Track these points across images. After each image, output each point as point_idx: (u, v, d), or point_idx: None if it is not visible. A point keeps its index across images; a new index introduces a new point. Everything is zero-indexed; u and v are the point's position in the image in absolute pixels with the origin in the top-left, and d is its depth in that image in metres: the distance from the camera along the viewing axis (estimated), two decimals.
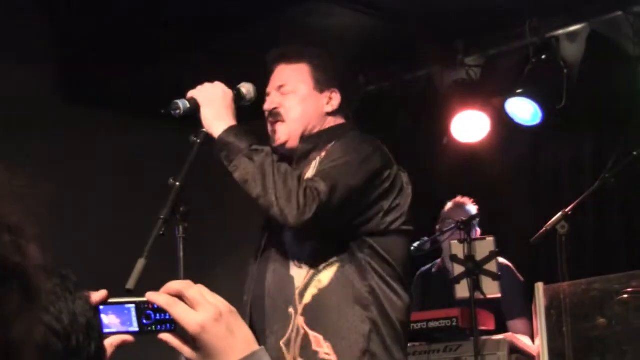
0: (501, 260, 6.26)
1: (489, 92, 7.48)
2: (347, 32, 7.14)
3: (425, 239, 6.55)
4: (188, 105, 3.75)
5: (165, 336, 1.79)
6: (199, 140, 3.69)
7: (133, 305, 1.82)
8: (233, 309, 1.76)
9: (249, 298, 3.90)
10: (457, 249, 6.01)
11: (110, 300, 1.80)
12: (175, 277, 3.57)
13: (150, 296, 1.77)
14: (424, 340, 6.14)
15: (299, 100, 3.95)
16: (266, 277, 3.79)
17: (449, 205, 6.82)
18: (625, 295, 5.11)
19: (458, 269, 5.95)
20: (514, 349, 5.94)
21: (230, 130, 3.72)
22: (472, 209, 6.76)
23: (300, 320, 3.70)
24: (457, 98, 7.49)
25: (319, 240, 3.72)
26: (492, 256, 5.92)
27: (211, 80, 3.85)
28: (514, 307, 6.33)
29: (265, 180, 3.61)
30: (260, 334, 3.78)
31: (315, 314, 3.68)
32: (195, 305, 1.73)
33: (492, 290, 5.91)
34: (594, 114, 7.30)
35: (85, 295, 1.57)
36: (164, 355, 2.27)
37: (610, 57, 7.06)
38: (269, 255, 3.83)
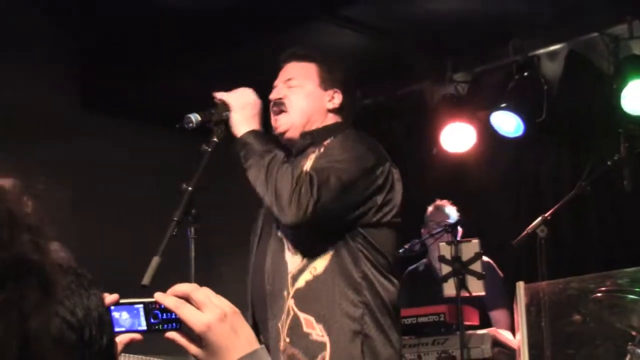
0: (483, 257, 6.26)
1: (476, 106, 7.49)
2: (345, 50, 7.13)
3: (416, 241, 6.56)
4: (199, 118, 3.74)
5: (172, 334, 1.79)
6: (209, 149, 3.69)
7: (141, 306, 1.82)
8: (236, 310, 1.77)
9: (249, 287, 3.89)
10: (445, 250, 6.01)
11: (121, 301, 1.81)
12: (187, 275, 3.59)
13: (159, 297, 1.78)
14: (413, 334, 6.14)
15: (304, 94, 3.93)
16: (265, 266, 3.78)
17: (430, 208, 6.84)
18: (600, 294, 5.12)
19: (446, 269, 5.95)
20: (497, 343, 5.95)
21: (251, 132, 3.72)
22: (451, 210, 6.79)
23: (291, 303, 3.66)
24: (446, 111, 7.49)
25: (315, 233, 3.70)
26: (477, 257, 5.93)
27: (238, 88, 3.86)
28: (494, 299, 6.32)
29: (269, 180, 3.61)
30: (263, 321, 3.78)
31: (306, 298, 3.65)
32: (202, 306, 1.74)
33: (476, 288, 5.91)
34: (572, 127, 7.32)
35: (98, 291, 1.58)
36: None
37: (587, 75, 7.08)
38: (266, 245, 3.81)
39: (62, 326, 1.47)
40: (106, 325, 1.54)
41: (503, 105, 7.14)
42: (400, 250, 6.34)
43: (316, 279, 3.66)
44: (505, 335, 6.09)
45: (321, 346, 3.61)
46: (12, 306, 1.00)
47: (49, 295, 1.05)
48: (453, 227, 6.16)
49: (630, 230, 6.83)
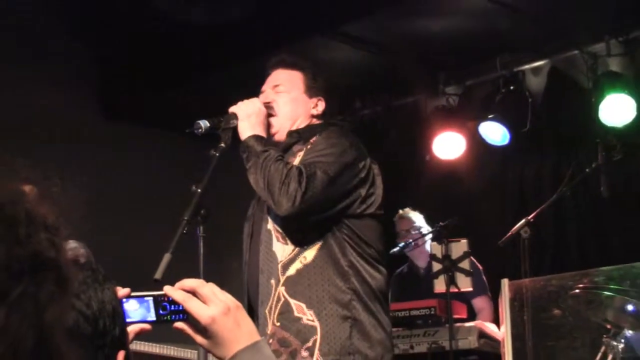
0: None
1: (465, 117, 7.48)
2: (346, 64, 7.14)
3: (410, 241, 6.58)
4: (208, 124, 3.75)
5: (180, 325, 1.80)
6: (217, 154, 3.68)
7: (151, 298, 1.82)
8: (239, 304, 1.78)
9: (245, 279, 3.89)
10: (436, 249, 6.02)
11: (132, 294, 1.81)
12: (196, 270, 3.57)
13: (168, 290, 1.79)
14: (406, 326, 6.13)
15: (291, 99, 3.92)
16: (259, 257, 3.77)
17: (395, 219, 6.84)
18: (577, 291, 5.11)
19: (437, 266, 5.95)
20: (483, 335, 5.95)
21: (253, 137, 3.71)
22: (415, 215, 6.82)
23: (281, 290, 3.65)
24: (438, 121, 7.49)
25: (304, 224, 3.69)
26: (465, 256, 5.93)
27: (239, 99, 3.86)
28: (475, 289, 6.31)
29: (263, 176, 3.60)
30: (255, 307, 3.77)
31: (297, 285, 3.63)
32: (207, 300, 1.75)
33: (465, 284, 5.92)
34: (554, 136, 7.32)
35: (112, 286, 1.58)
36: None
37: (567, 89, 7.08)
38: (257, 241, 3.81)
39: (78, 318, 1.47)
40: (119, 317, 1.55)
41: (490, 116, 7.13)
42: (396, 249, 6.37)
43: (306, 267, 3.64)
44: (490, 327, 6.08)
45: (312, 330, 3.59)
46: (28, 298, 1.00)
47: (63, 290, 1.05)
48: (445, 227, 6.17)
49: (606, 232, 6.82)
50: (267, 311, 3.68)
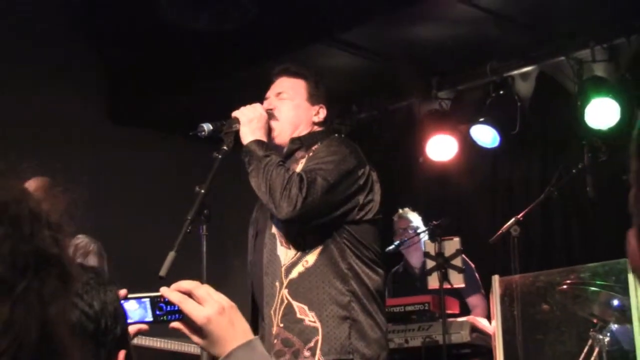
0: None
1: (457, 120, 7.48)
2: (343, 70, 7.13)
3: (405, 239, 6.58)
4: (211, 127, 3.74)
5: (177, 324, 1.81)
6: (220, 156, 3.67)
7: (148, 299, 1.82)
8: (234, 304, 1.79)
9: (250, 279, 3.89)
10: (430, 247, 6.00)
11: (129, 295, 1.81)
12: (199, 268, 3.57)
13: (165, 291, 1.80)
14: (401, 321, 6.12)
15: (293, 106, 3.91)
16: (263, 260, 3.76)
17: (395, 218, 6.83)
18: (565, 286, 5.12)
19: (430, 264, 5.93)
20: (474, 329, 5.94)
21: (255, 141, 3.70)
22: (413, 215, 6.82)
23: (284, 292, 3.65)
24: (431, 125, 7.48)
25: (305, 229, 3.69)
26: (457, 253, 5.92)
27: (242, 104, 3.85)
28: (468, 287, 6.31)
29: (265, 180, 3.60)
30: (260, 307, 3.78)
31: (300, 288, 3.63)
32: (202, 301, 1.76)
33: (457, 280, 5.90)
34: (542, 139, 7.32)
35: (115, 288, 1.59)
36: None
37: (555, 94, 7.07)
38: (262, 243, 3.80)
39: (81, 317, 1.49)
40: (120, 317, 1.57)
41: (481, 119, 7.13)
42: (392, 247, 6.36)
43: (308, 271, 3.64)
44: (482, 322, 6.07)
45: (314, 331, 3.59)
46: (33, 293, 0.99)
47: (66, 285, 1.04)
48: (439, 227, 6.16)
49: (592, 230, 6.81)
50: (272, 312, 3.68)
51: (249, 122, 3.76)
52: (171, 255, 3.34)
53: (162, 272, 3.30)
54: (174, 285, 1.79)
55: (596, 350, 4.87)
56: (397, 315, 6.08)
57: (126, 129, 7.70)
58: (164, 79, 7.31)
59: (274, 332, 3.65)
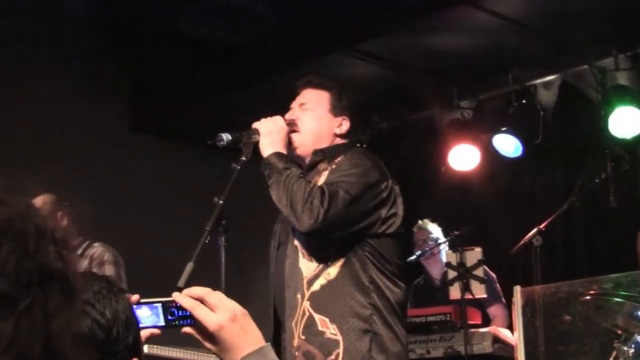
0: None
1: (479, 130, 7.46)
2: (363, 80, 7.13)
3: (427, 249, 6.58)
4: (230, 137, 3.75)
5: (189, 330, 1.81)
6: (238, 167, 3.68)
7: (160, 305, 1.83)
8: (245, 311, 1.79)
9: (272, 291, 3.89)
10: (451, 257, 5.99)
11: (142, 300, 1.83)
12: (217, 279, 3.57)
13: (177, 297, 1.80)
14: (423, 331, 6.10)
15: (316, 117, 3.91)
16: (284, 271, 3.77)
17: (414, 229, 6.82)
18: (587, 297, 5.08)
19: (452, 274, 5.92)
20: (497, 340, 5.91)
21: (275, 154, 3.71)
22: (432, 226, 6.81)
23: (306, 304, 3.64)
24: (453, 134, 7.47)
25: (326, 238, 3.69)
26: (479, 263, 5.90)
27: (261, 114, 3.85)
28: (489, 297, 6.29)
29: (286, 193, 3.59)
30: (282, 319, 3.77)
31: (321, 300, 3.63)
32: (215, 308, 1.77)
33: (479, 291, 5.88)
34: (564, 148, 7.29)
35: (126, 297, 1.60)
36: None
37: (577, 103, 7.05)
38: (283, 255, 3.80)
39: (93, 325, 1.50)
40: (132, 326, 1.58)
41: (503, 129, 7.11)
42: (412, 257, 6.36)
43: (330, 283, 3.64)
44: (504, 333, 6.04)
45: (335, 344, 3.59)
46: (37, 308, 1.01)
47: (70, 300, 1.05)
48: (460, 236, 6.15)
49: (615, 240, 6.77)
50: (293, 324, 3.68)
51: (269, 134, 3.76)
52: (189, 266, 3.35)
53: (181, 282, 3.30)
54: (186, 291, 1.80)
55: None
56: (419, 326, 6.06)
57: (146, 139, 7.73)
58: (184, 89, 7.35)
59: (295, 344, 3.65)
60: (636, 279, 4.92)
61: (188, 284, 3.24)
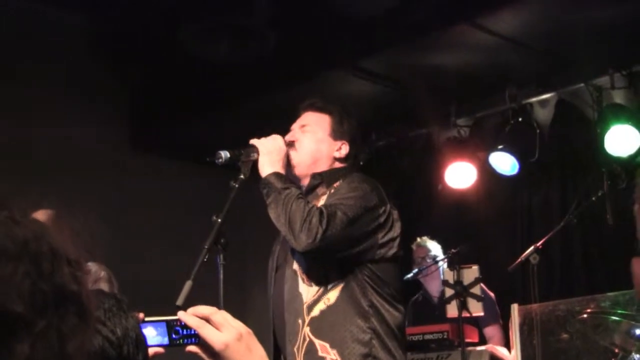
0: None
1: (476, 147, 7.46)
2: (361, 97, 7.14)
3: (423, 267, 6.56)
4: (229, 155, 3.74)
5: (194, 348, 1.80)
6: (237, 185, 3.67)
7: (164, 323, 1.83)
8: (250, 331, 1.79)
9: (271, 314, 3.88)
10: (448, 275, 5.97)
11: (146, 319, 1.81)
12: (216, 297, 3.56)
13: (182, 316, 1.79)
14: (420, 349, 6.08)
15: (315, 139, 3.92)
16: (284, 296, 3.76)
17: (413, 247, 6.82)
18: (585, 315, 5.06)
19: (449, 292, 5.90)
20: (494, 358, 5.89)
21: (274, 174, 3.71)
22: (432, 244, 6.80)
23: (306, 330, 3.64)
24: (450, 152, 7.47)
25: (326, 264, 3.68)
26: (476, 281, 5.87)
27: (261, 132, 3.86)
28: (487, 317, 6.28)
29: (285, 212, 3.59)
30: (283, 346, 3.76)
31: (321, 326, 3.63)
32: (220, 327, 1.76)
33: (476, 309, 5.85)
34: (561, 166, 7.28)
35: (136, 314, 1.59)
36: None
37: (574, 121, 7.04)
38: (282, 278, 3.80)
39: (103, 343, 1.50)
40: (142, 344, 1.58)
41: (500, 146, 7.11)
42: (410, 275, 6.34)
43: (329, 308, 3.64)
44: (501, 351, 6.03)
45: None
46: (52, 330, 1.01)
47: (84, 321, 1.05)
48: (457, 254, 6.14)
49: (612, 258, 6.75)
50: (295, 349, 3.67)
51: (268, 154, 3.77)
52: (188, 284, 3.33)
53: (179, 301, 3.29)
54: (191, 310, 1.79)
55: None
56: (416, 344, 6.04)
57: (146, 156, 7.74)
58: (184, 106, 7.36)
59: None
60: (634, 297, 4.91)
61: (187, 303, 3.23)
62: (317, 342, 3.62)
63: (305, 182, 3.88)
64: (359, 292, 3.64)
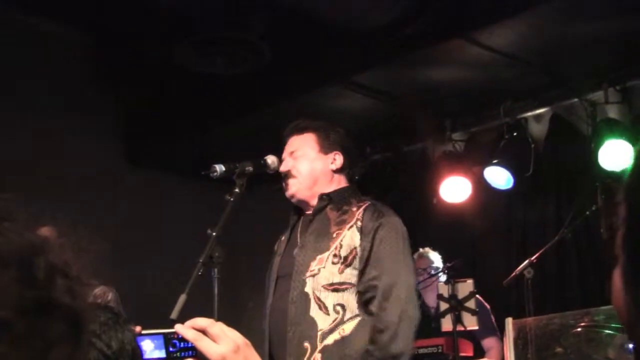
0: None
1: (471, 162, 7.46)
2: (357, 112, 7.16)
3: (420, 279, 6.55)
4: (224, 169, 3.76)
5: None
6: (232, 199, 3.68)
7: (162, 336, 1.83)
8: (248, 342, 1.78)
9: (267, 326, 3.88)
10: (443, 289, 5.97)
11: (143, 332, 1.81)
12: (211, 310, 3.56)
13: (179, 329, 1.79)
14: None
15: (308, 161, 3.98)
16: (287, 312, 3.76)
17: (415, 257, 6.79)
18: (579, 329, 5.07)
19: (444, 306, 5.90)
20: None
21: None
22: (434, 255, 6.78)
23: (317, 357, 3.66)
24: (445, 166, 7.47)
25: (347, 298, 3.71)
26: (471, 295, 5.87)
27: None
28: (484, 330, 6.26)
29: None
30: (278, 356, 3.77)
31: (332, 356, 3.65)
32: (217, 339, 1.74)
33: (471, 323, 5.85)
34: (555, 180, 7.29)
35: (132, 328, 1.59)
36: None
37: (568, 135, 7.05)
38: (286, 293, 3.81)
39: (98, 357, 1.49)
40: (137, 357, 1.57)
41: (495, 161, 7.11)
42: None
43: (343, 339, 3.68)
44: None
45: None
46: (37, 336, 1.00)
47: (74, 333, 1.05)
48: (452, 268, 6.14)
49: (606, 272, 6.73)
50: None
51: None
52: (182, 298, 3.34)
53: (174, 314, 3.29)
54: (189, 323, 1.78)
55: None
56: (411, 358, 6.02)
57: (142, 171, 7.74)
58: (180, 122, 7.36)
59: None
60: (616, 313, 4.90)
61: (182, 316, 3.23)
62: None
63: (313, 203, 3.92)
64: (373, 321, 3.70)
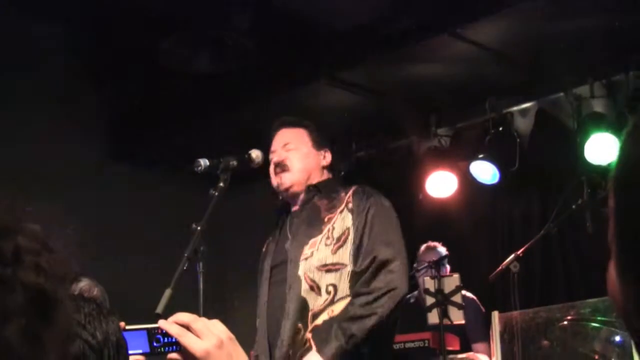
0: (469, 294, 6.29)
1: (457, 157, 7.47)
2: (342, 108, 7.15)
3: (413, 271, 6.54)
4: (208, 163, 3.77)
5: (175, 356, 1.80)
6: (216, 193, 3.69)
7: (145, 332, 1.83)
8: (232, 336, 1.77)
9: (264, 315, 3.91)
10: (429, 283, 5.97)
11: (127, 327, 1.81)
12: (196, 305, 3.55)
13: (163, 324, 1.79)
14: (401, 358, 6.07)
15: (302, 155, 4.04)
16: (286, 302, 3.81)
17: (422, 248, 6.79)
18: (565, 322, 5.08)
19: (430, 300, 5.90)
20: None
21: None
22: (442, 250, 6.76)
23: (309, 336, 3.70)
24: (431, 162, 7.48)
25: (339, 278, 3.73)
26: (457, 290, 5.88)
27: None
28: (477, 333, 6.28)
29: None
30: (274, 345, 3.80)
31: (320, 334, 3.69)
32: (201, 334, 1.74)
33: (457, 317, 5.85)
34: (541, 175, 7.30)
35: (116, 319, 1.60)
36: None
37: (554, 130, 7.07)
38: (282, 282, 3.85)
39: (84, 347, 1.50)
40: (122, 348, 1.58)
41: (481, 156, 7.13)
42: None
43: (331, 319, 3.72)
44: (482, 358, 6.02)
45: None
46: None
47: (35, 308, 1.03)
48: (437, 263, 6.13)
49: (592, 266, 6.78)
50: (290, 352, 3.73)
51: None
52: (167, 292, 3.34)
53: (159, 309, 3.29)
54: (172, 318, 1.78)
55: None
56: (398, 353, 6.02)
57: (126, 166, 7.72)
58: (164, 117, 7.35)
59: None
60: (613, 304, 4.92)
61: (167, 311, 3.23)
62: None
63: (301, 196, 3.96)
64: None
